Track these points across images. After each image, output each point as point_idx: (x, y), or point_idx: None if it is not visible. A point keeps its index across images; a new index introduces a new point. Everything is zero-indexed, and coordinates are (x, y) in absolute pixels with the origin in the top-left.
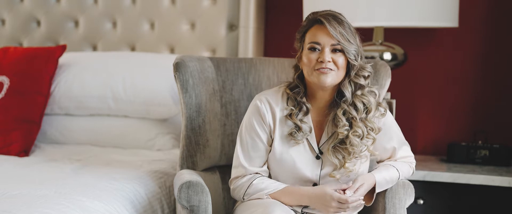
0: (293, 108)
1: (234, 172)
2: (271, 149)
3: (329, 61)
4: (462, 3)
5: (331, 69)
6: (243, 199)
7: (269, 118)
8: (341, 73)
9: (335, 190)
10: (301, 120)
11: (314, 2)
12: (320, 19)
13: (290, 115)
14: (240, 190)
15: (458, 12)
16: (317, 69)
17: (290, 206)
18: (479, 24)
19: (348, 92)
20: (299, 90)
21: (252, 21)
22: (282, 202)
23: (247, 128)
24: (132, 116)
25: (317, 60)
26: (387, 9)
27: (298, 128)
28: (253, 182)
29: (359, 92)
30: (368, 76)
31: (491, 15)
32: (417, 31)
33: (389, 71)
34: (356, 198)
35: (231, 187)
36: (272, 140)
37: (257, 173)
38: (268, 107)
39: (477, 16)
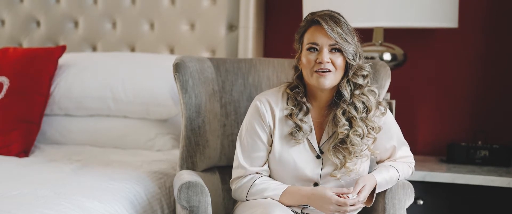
0: (293, 108)
1: (234, 173)
2: (271, 149)
3: (328, 62)
4: (462, 4)
5: (329, 70)
6: (246, 199)
7: (269, 118)
8: (340, 74)
9: (338, 195)
10: (301, 120)
11: (314, 3)
12: (318, 19)
13: (290, 115)
14: (243, 191)
15: (458, 12)
16: (316, 71)
17: (290, 206)
18: (479, 24)
19: (346, 92)
20: (299, 90)
21: (251, 22)
22: (283, 203)
23: (248, 129)
24: (131, 116)
25: (315, 61)
26: (387, 10)
27: (299, 128)
28: (255, 182)
29: (357, 92)
30: (367, 75)
31: (491, 15)
32: (416, 31)
33: (389, 72)
34: (359, 200)
35: (233, 187)
36: (272, 140)
37: (257, 173)
38: (268, 108)
39: (476, 16)
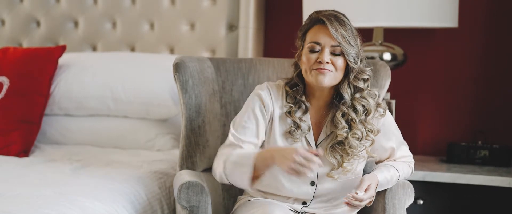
0: (292, 105)
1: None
2: (269, 140)
3: (328, 62)
4: (462, 4)
5: (329, 70)
6: (224, 173)
7: (270, 107)
8: (339, 75)
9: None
10: (300, 119)
11: (314, 3)
12: (322, 19)
13: (289, 113)
14: (219, 160)
15: (458, 12)
16: (315, 69)
17: (262, 169)
18: (479, 24)
19: (347, 95)
20: (298, 89)
21: (252, 22)
22: (257, 167)
23: (246, 108)
24: (132, 116)
25: (316, 60)
26: (387, 10)
27: (297, 126)
28: (235, 151)
29: (358, 95)
30: (368, 79)
31: (491, 15)
32: (417, 31)
33: (389, 72)
34: (368, 196)
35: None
36: (270, 131)
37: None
38: (270, 98)
39: (476, 16)
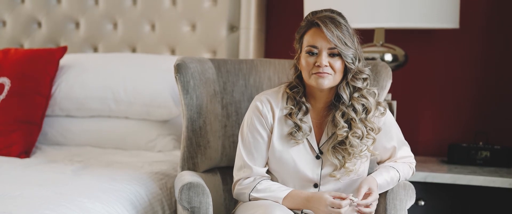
0: (292, 107)
1: (239, 174)
2: (270, 148)
3: (326, 66)
4: (463, 4)
5: (328, 73)
6: (249, 200)
7: (270, 118)
8: (338, 76)
9: (335, 197)
10: (301, 120)
11: (315, 3)
12: (318, 22)
13: (290, 115)
14: (245, 192)
15: (459, 13)
16: (315, 73)
17: (292, 209)
18: (480, 25)
19: (345, 95)
20: (298, 90)
21: (253, 22)
22: (285, 206)
23: (250, 129)
24: (132, 117)
25: (314, 63)
26: (388, 10)
27: (298, 128)
28: (258, 184)
29: (356, 95)
30: (366, 78)
31: (492, 16)
32: (418, 32)
33: (390, 73)
34: (373, 199)
35: (237, 187)
36: (272, 139)
37: (262, 176)
38: (269, 108)
39: (477, 17)
